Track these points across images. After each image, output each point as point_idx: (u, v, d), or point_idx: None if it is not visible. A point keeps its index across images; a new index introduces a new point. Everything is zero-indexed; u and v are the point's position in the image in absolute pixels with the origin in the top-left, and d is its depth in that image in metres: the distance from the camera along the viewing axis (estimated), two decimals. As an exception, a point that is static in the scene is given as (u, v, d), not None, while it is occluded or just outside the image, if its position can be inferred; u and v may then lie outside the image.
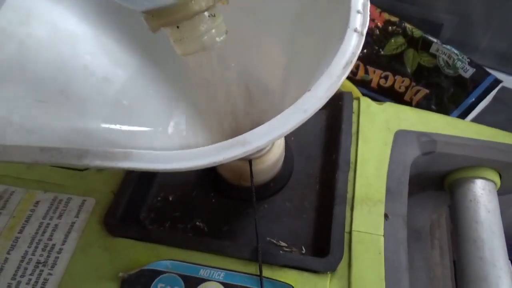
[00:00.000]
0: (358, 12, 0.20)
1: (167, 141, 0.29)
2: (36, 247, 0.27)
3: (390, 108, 0.33)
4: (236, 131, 0.32)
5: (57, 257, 0.26)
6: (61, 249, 0.26)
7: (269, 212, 0.31)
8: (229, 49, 0.24)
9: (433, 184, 0.34)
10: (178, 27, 0.19)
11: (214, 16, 0.20)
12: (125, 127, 0.28)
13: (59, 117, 0.26)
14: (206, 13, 0.19)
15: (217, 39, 0.20)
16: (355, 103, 0.34)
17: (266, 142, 0.16)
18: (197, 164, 0.16)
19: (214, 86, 0.29)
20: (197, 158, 0.17)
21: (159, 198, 0.32)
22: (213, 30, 0.20)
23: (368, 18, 0.19)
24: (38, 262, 0.26)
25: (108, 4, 0.29)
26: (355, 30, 0.19)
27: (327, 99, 0.17)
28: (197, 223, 0.30)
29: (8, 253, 0.26)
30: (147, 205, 0.31)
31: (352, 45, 0.18)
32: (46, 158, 0.18)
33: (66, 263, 0.26)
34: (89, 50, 0.29)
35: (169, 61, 0.31)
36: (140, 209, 0.30)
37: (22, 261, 0.26)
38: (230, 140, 0.17)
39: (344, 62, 0.18)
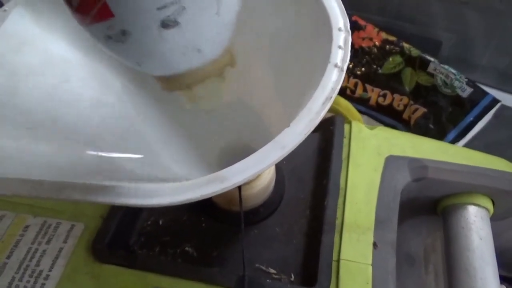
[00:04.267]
0: (340, 47, 0.20)
1: (153, 169, 0.29)
2: (24, 273, 0.27)
3: (381, 133, 0.33)
4: (227, 158, 0.32)
5: (43, 284, 0.26)
6: (48, 276, 0.26)
7: (259, 237, 0.30)
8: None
9: (426, 209, 0.34)
10: (190, 89, 0.20)
11: (224, 77, 0.20)
12: (113, 154, 0.28)
13: (47, 144, 0.26)
14: (217, 76, 0.20)
15: (226, 97, 0.21)
16: (346, 127, 0.34)
17: (243, 179, 0.16)
18: (174, 200, 0.17)
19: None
20: (175, 194, 0.17)
21: (149, 222, 0.32)
22: (223, 90, 0.21)
23: (349, 54, 0.19)
24: (25, 289, 0.26)
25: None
26: (336, 66, 0.19)
27: (306, 135, 0.17)
28: (187, 248, 0.30)
29: (-5, 279, 0.26)
30: (137, 229, 0.31)
31: (332, 80, 0.18)
32: (26, 191, 0.18)
33: (52, 290, 0.26)
34: (80, 76, 0.29)
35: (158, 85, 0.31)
36: (129, 233, 0.30)
37: (9, 287, 0.26)
38: (208, 176, 0.17)
39: (324, 98, 0.18)
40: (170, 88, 0.20)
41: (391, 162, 0.31)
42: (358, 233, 0.27)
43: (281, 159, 0.17)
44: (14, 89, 0.26)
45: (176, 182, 0.17)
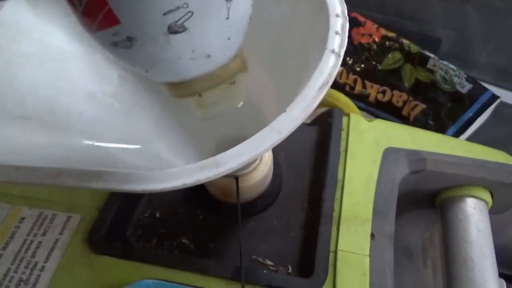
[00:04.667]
0: (337, 33, 0.20)
1: (150, 160, 0.29)
2: (19, 265, 0.26)
3: (380, 125, 0.33)
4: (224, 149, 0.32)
5: (39, 275, 0.26)
6: (43, 267, 0.26)
7: (256, 229, 0.30)
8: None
9: (424, 202, 0.34)
10: (200, 95, 0.19)
11: (235, 83, 0.20)
12: (109, 144, 0.28)
13: (43, 134, 0.26)
14: (227, 82, 0.19)
15: (238, 104, 0.20)
16: (345, 119, 0.34)
17: (238, 163, 0.16)
18: (170, 185, 0.16)
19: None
20: (170, 179, 0.17)
21: (146, 215, 0.31)
22: (234, 96, 0.20)
23: (346, 40, 0.19)
24: (20, 280, 0.26)
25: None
26: (333, 51, 0.19)
27: (302, 120, 0.17)
28: (184, 240, 0.30)
29: (-10, 270, 0.26)
30: (133, 221, 0.31)
31: (329, 66, 0.18)
32: (20, 177, 0.18)
33: (48, 282, 0.26)
34: (76, 66, 0.29)
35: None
36: (126, 225, 0.30)
37: (4, 279, 0.26)
38: (203, 161, 0.17)
39: (320, 83, 0.17)
40: (180, 95, 0.19)
41: (389, 154, 0.31)
42: (356, 225, 0.27)
43: (276, 144, 0.17)
44: (10, 78, 0.26)
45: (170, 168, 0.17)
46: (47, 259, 0.27)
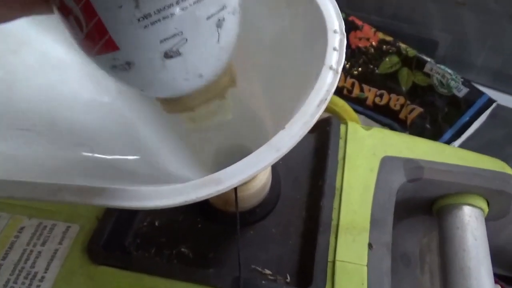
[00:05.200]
0: (335, 49, 0.20)
1: (149, 170, 0.29)
2: (19, 275, 0.27)
3: (377, 134, 0.34)
4: (222, 158, 0.32)
5: (38, 286, 0.26)
6: (43, 277, 0.26)
7: (255, 238, 0.30)
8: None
9: (421, 209, 0.34)
10: (193, 110, 0.20)
11: (225, 97, 0.20)
12: (108, 155, 0.28)
13: (42, 146, 0.26)
14: (218, 97, 0.20)
15: (228, 117, 0.21)
16: (342, 127, 0.34)
17: (238, 181, 0.16)
18: (170, 202, 0.17)
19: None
20: (171, 196, 0.17)
21: (145, 223, 0.32)
22: (225, 110, 0.21)
23: (344, 56, 0.19)
24: (20, 291, 0.26)
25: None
26: (331, 68, 0.19)
27: (301, 137, 0.17)
28: (183, 249, 0.30)
29: (-10, 280, 0.26)
30: (132, 230, 0.31)
31: (327, 83, 0.18)
32: (21, 193, 0.18)
33: (47, 292, 0.26)
34: (76, 77, 0.29)
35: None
36: (125, 235, 0.30)
37: (4, 289, 0.26)
38: (204, 179, 0.17)
39: (318, 100, 0.18)
40: (172, 110, 0.20)
41: (387, 163, 0.31)
42: (354, 234, 0.27)
43: (275, 161, 0.17)
44: (10, 89, 0.26)
45: (171, 184, 0.17)
46: (46, 269, 0.27)
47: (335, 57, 0.20)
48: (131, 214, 0.31)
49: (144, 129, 0.30)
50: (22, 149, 0.25)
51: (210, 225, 0.31)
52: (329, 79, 0.18)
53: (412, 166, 0.31)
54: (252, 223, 0.31)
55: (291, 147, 0.17)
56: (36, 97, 0.27)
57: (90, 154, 0.27)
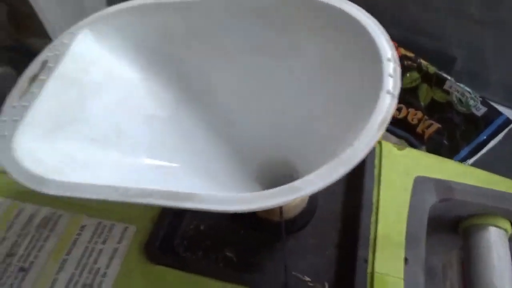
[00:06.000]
0: (390, 76, 0.22)
1: (205, 177, 0.31)
2: (83, 270, 0.29)
3: (410, 154, 0.36)
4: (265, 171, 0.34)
5: (101, 281, 0.28)
6: (105, 273, 0.29)
7: (294, 246, 0.33)
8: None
9: (447, 227, 0.36)
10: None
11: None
12: (166, 163, 0.31)
13: (110, 154, 0.29)
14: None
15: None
16: (377, 147, 0.37)
17: (317, 189, 0.19)
18: (252, 207, 0.19)
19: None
20: (253, 202, 0.19)
21: (191, 227, 0.34)
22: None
23: (399, 83, 0.22)
24: (84, 285, 0.28)
25: (155, 53, 0.32)
26: (388, 92, 0.21)
27: (366, 154, 0.20)
28: (227, 253, 0.32)
29: (56, 274, 0.29)
30: (181, 233, 0.33)
31: (387, 105, 0.21)
32: (114, 196, 0.21)
33: (110, 287, 0.28)
34: (137, 93, 0.32)
35: (204, 100, 0.33)
36: (176, 237, 0.33)
37: (69, 282, 0.28)
38: (284, 187, 0.19)
39: (381, 121, 0.20)
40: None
41: (419, 183, 0.33)
42: (391, 249, 0.29)
43: (345, 174, 0.19)
44: (84, 105, 0.29)
45: (250, 192, 0.20)
46: (108, 266, 0.29)
47: (392, 82, 0.22)
48: (180, 218, 0.33)
49: (197, 142, 0.33)
50: (94, 156, 0.28)
51: (252, 232, 0.34)
52: (387, 101, 0.21)
53: (443, 187, 0.33)
54: (292, 232, 0.33)
55: (359, 162, 0.19)
56: (105, 112, 0.29)
57: (151, 162, 0.30)
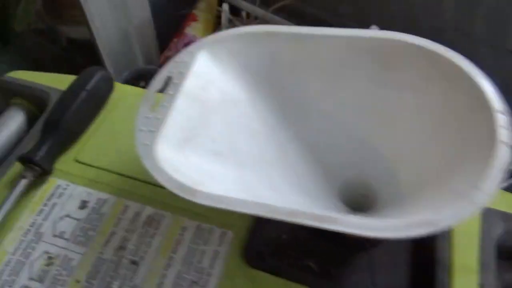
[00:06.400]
0: (502, 127, 0.25)
1: (294, 196, 0.34)
2: (189, 268, 0.32)
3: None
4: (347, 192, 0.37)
5: (207, 279, 0.31)
6: (209, 273, 0.32)
7: (370, 262, 0.36)
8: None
9: (505, 255, 0.39)
10: None
11: None
12: (265, 175, 0.34)
13: (228, 167, 0.32)
14: None
15: None
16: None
17: (451, 224, 0.22)
18: (391, 235, 0.22)
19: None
20: (392, 231, 0.22)
21: (273, 235, 0.37)
22: None
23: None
24: (192, 281, 0.31)
25: (262, 76, 0.35)
26: (502, 142, 0.24)
27: (493, 196, 0.23)
28: (310, 263, 0.35)
29: (165, 269, 0.32)
30: (268, 241, 0.36)
31: (503, 152, 0.24)
32: (264, 212, 0.24)
33: (215, 286, 0.31)
34: (246, 112, 0.35)
35: (300, 121, 0.37)
36: (262, 244, 0.36)
37: (177, 278, 0.32)
38: (419, 220, 0.22)
39: (500, 168, 0.23)
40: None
41: (488, 214, 0.36)
42: (466, 274, 0.32)
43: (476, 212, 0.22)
44: (207, 120, 0.32)
45: (389, 220, 0.23)
46: (211, 266, 0.32)
47: (504, 133, 0.25)
48: (267, 227, 0.37)
49: (291, 159, 0.36)
50: (216, 168, 0.31)
51: (330, 245, 0.37)
52: (504, 150, 0.24)
53: (509, 218, 0.36)
54: (366, 249, 0.37)
55: (486, 204, 0.22)
56: (222, 127, 0.32)
57: (257, 174, 0.33)
